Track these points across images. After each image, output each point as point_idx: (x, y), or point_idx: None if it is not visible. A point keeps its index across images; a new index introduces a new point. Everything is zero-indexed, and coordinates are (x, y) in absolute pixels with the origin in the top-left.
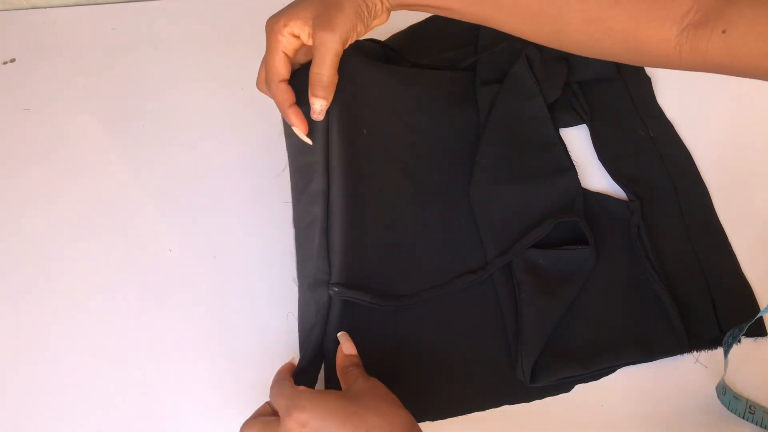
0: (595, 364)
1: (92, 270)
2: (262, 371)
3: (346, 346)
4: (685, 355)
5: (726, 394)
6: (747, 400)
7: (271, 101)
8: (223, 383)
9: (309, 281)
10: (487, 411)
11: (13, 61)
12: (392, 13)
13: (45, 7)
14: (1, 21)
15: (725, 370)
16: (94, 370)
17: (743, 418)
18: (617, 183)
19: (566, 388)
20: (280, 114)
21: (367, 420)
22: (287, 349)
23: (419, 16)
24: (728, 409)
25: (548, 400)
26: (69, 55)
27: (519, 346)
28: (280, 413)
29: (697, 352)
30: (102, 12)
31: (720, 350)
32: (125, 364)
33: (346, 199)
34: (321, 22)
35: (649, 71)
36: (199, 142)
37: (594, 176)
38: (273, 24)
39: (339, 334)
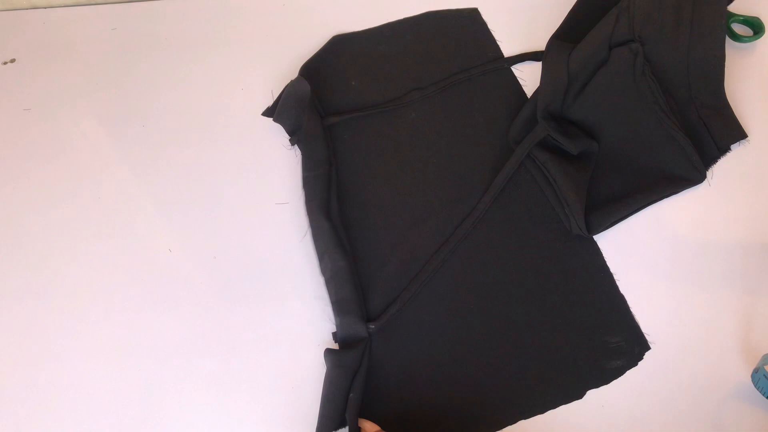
0: (636, 203)
1: (92, 270)
2: (261, 370)
3: (367, 425)
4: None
5: (758, 372)
6: None
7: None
8: (223, 383)
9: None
10: None
11: (13, 61)
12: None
13: (45, 7)
14: (1, 21)
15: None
16: (94, 370)
17: None
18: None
19: (578, 395)
20: (281, 126)
21: None
22: (287, 348)
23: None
24: (756, 387)
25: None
26: (69, 56)
27: (567, 209)
28: None
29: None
30: (102, 12)
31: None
32: (125, 364)
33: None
34: None
35: None
36: (199, 143)
37: None
38: None
39: (359, 422)
